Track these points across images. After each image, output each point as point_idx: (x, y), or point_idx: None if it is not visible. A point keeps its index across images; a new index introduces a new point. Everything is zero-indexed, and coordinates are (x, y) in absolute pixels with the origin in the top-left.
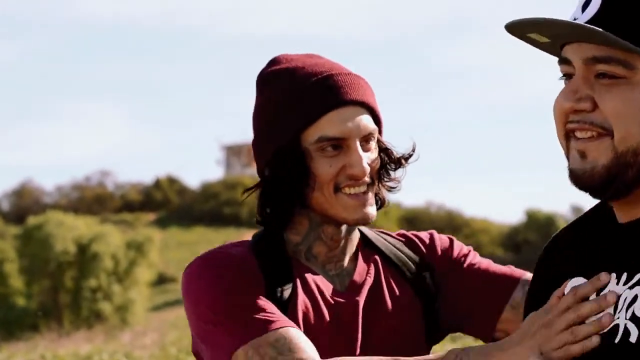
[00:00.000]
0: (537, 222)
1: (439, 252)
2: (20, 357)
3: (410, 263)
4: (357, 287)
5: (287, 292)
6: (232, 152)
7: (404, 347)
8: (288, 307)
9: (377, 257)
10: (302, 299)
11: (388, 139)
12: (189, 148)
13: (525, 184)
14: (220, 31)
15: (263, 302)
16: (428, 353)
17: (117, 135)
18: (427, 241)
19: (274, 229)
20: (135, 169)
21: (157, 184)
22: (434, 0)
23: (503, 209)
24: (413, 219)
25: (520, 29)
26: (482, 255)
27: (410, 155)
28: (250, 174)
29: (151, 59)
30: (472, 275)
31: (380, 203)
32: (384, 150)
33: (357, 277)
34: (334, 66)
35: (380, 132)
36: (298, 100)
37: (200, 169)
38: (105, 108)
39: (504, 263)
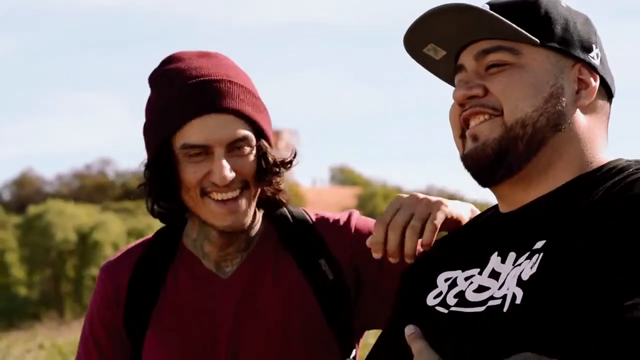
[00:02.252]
0: None
1: (350, 237)
2: (19, 346)
3: (311, 254)
4: (236, 279)
5: (151, 298)
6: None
7: (292, 335)
8: (153, 311)
9: (278, 250)
10: (169, 301)
11: (389, 123)
12: None
13: None
14: (220, 21)
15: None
16: (337, 342)
17: (118, 124)
18: (341, 224)
19: (166, 223)
20: (136, 158)
21: None
22: None
23: None
24: None
25: (419, 38)
26: None
27: (291, 161)
28: None
29: (151, 48)
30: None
31: (276, 203)
32: (262, 155)
33: (242, 271)
34: (217, 71)
35: (265, 138)
36: (171, 105)
37: None
38: (105, 98)
39: None
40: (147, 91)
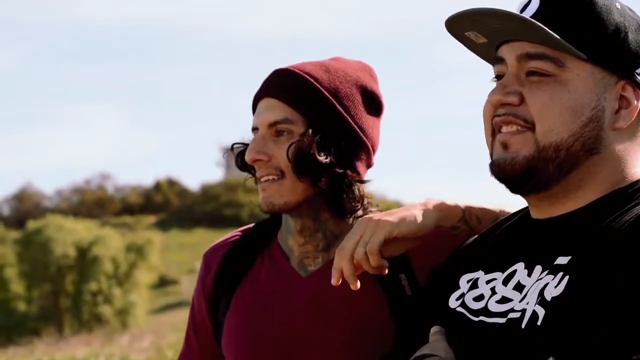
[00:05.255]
0: None
1: (436, 257)
2: None
3: (393, 266)
4: (313, 279)
5: (234, 282)
6: (232, 153)
7: (355, 344)
8: (234, 295)
9: None
10: (248, 288)
11: (390, 135)
12: (189, 150)
13: None
14: (218, 33)
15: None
16: None
17: (117, 138)
18: (430, 241)
19: (268, 227)
20: (135, 172)
21: (157, 186)
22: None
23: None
24: None
25: (461, 24)
26: None
27: (332, 164)
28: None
29: (150, 61)
30: None
31: (350, 208)
32: (302, 146)
33: (321, 272)
34: (290, 65)
35: (323, 132)
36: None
37: (200, 170)
38: (104, 111)
39: None
40: (146, 104)
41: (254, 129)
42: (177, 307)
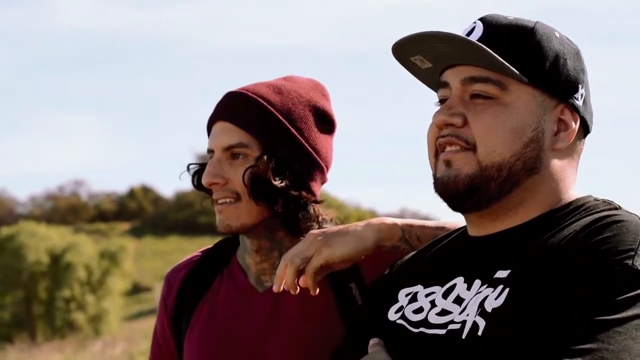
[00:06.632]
0: None
1: (383, 265)
2: None
3: (343, 276)
4: (268, 294)
5: (194, 302)
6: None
7: (312, 353)
8: (193, 313)
9: None
10: (207, 307)
11: (366, 146)
12: (163, 158)
13: None
14: (195, 44)
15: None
16: None
17: (92, 146)
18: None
19: (228, 247)
20: (110, 179)
21: (132, 193)
22: (413, 13)
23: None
24: None
25: (408, 48)
26: None
27: (290, 190)
28: None
29: (126, 70)
30: None
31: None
32: (258, 171)
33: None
34: (244, 87)
35: (277, 156)
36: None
37: (175, 178)
38: (79, 119)
39: None
40: (123, 113)
41: (210, 151)
42: (150, 314)
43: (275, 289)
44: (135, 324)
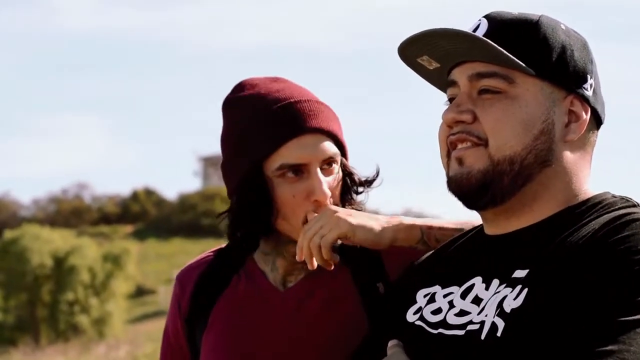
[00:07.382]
0: None
1: (401, 258)
2: None
3: (370, 275)
4: (291, 293)
5: (211, 302)
6: (209, 163)
7: (336, 354)
8: (210, 315)
9: (340, 268)
10: (227, 307)
11: (367, 146)
12: (166, 160)
13: None
14: (196, 45)
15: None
16: None
17: (95, 148)
18: (400, 249)
19: (243, 250)
20: (113, 182)
21: (135, 196)
22: (413, 13)
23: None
24: None
25: (414, 49)
26: None
27: (374, 179)
28: None
29: (129, 71)
30: None
31: None
32: (348, 174)
33: (299, 286)
34: (295, 93)
35: (345, 156)
36: (259, 129)
37: (178, 180)
38: (82, 121)
39: None
40: (124, 114)
41: (302, 165)
42: (154, 316)
43: (297, 258)
44: (139, 327)
